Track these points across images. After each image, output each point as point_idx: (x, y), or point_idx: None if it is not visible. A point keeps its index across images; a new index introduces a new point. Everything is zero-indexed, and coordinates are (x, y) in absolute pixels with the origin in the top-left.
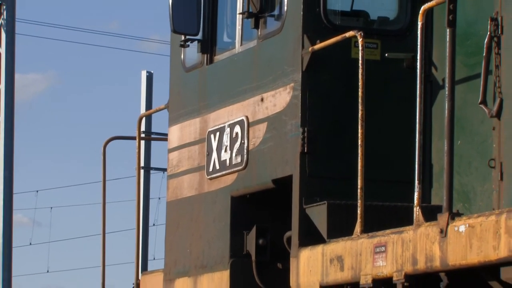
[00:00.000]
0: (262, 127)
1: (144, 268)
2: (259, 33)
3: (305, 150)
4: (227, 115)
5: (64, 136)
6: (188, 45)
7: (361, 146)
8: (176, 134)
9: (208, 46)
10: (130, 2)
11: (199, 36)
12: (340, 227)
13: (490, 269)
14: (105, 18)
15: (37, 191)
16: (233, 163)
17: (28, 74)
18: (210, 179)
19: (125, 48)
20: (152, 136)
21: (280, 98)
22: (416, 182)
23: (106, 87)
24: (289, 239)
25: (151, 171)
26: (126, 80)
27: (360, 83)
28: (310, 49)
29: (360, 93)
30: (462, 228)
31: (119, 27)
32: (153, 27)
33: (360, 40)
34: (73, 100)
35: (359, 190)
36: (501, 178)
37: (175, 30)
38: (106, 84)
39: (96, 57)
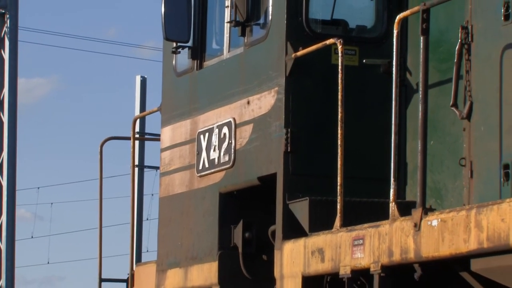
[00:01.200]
0: (248, 128)
1: (138, 259)
2: (246, 41)
3: (289, 150)
4: (216, 117)
5: (64, 136)
6: (179, 52)
7: (341, 146)
8: (168, 134)
9: (198, 53)
10: (126, 11)
11: (190, 43)
12: (321, 222)
13: (461, 261)
14: (103, 25)
15: (39, 188)
16: (221, 161)
17: (33, 78)
18: (200, 176)
19: (121, 54)
20: (146, 136)
21: (265, 101)
22: (392, 179)
23: (104, 91)
24: (273, 233)
25: (145, 169)
26: (122, 84)
27: (339, 87)
28: (293, 55)
29: (339, 97)
30: (434, 223)
31: (117, 34)
32: (148, 35)
33: (339, 47)
34: (74, 103)
35: (338, 187)
36: (471, 176)
37: (167, 38)
38: (104, 88)
39: (95, 62)
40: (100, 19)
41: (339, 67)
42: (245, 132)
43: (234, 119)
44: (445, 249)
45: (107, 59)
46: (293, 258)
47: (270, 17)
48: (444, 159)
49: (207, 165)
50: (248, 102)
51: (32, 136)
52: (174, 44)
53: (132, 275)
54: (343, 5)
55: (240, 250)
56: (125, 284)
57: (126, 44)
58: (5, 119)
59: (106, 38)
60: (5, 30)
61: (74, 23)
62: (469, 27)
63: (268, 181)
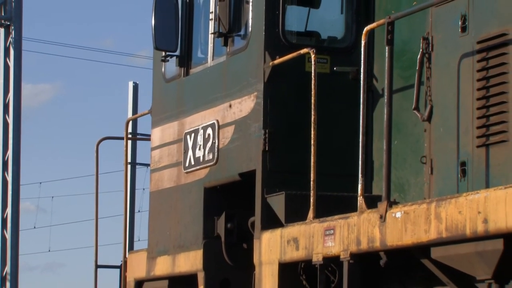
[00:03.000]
0: (230, 129)
1: (131, 247)
2: (228, 50)
3: (266, 149)
4: (201, 119)
5: (65, 136)
6: (168, 60)
7: (314, 145)
8: (158, 135)
9: (185, 61)
10: (121, 24)
11: (177, 52)
12: (296, 214)
13: (422, 249)
14: (101, 36)
15: (41, 183)
16: (206, 159)
17: (39, 84)
18: (187, 173)
19: (116, 62)
20: (138, 136)
21: (245, 105)
22: (360, 175)
23: (101, 95)
24: (253, 224)
25: (137, 166)
26: (117, 89)
27: (312, 92)
28: (270, 63)
29: (312, 101)
30: (398, 214)
31: (113, 44)
32: (141, 45)
33: (312, 56)
34: (74, 106)
35: (312, 182)
36: (431, 172)
37: (157, 47)
38: (100, 92)
39: (93, 70)
40: (98, 30)
41: (312, 74)
42: (227, 133)
43: (217, 121)
44: (408, 239)
45: (104, 67)
46: (270, 247)
47: (250, 29)
48: (407, 157)
49: (193, 163)
50: (230, 106)
51: (36, 136)
52: (163, 53)
53: (125, 262)
54: (316, 18)
55: (222, 239)
56: (118, 270)
57: (120, 53)
58: (10, 120)
59: (103, 47)
60: (10, 41)
61: (75, 34)
62: (430, 38)
63: (248, 177)
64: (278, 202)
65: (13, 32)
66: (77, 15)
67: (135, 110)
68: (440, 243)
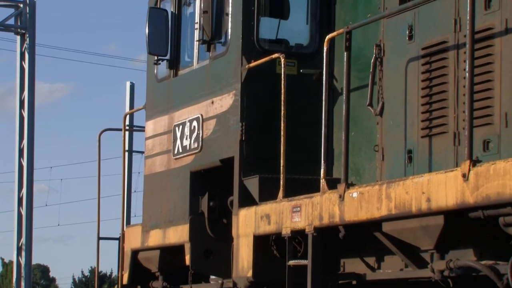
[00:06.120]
0: (213, 122)
1: (128, 222)
2: (211, 55)
3: (243, 138)
4: (187, 113)
5: (73, 127)
6: (160, 63)
7: (283, 135)
8: (151, 127)
9: (174, 64)
10: (123, 31)
11: (168, 57)
12: (268, 194)
13: (375, 224)
14: (106, 43)
15: (51, 167)
16: (192, 147)
17: (55, 83)
18: (175, 159)
19: (118, 65)
20: (134, 128)
21: (225, 101)
22: (322, 161)
23: (105, 93)
24: (231, 202)
25: (133, 153)
26: (119, 88)
27: (282, 91)
28: (247, 66)
29: (282, 98)
30: (355, 194)
31: (116, 50)
32: (139, 50)
33: (282, 60)
34: (83, 102)
35: (281, 167)
36: (383, 159)
37: (150, 52)
38: (105, 90)
39: (99, 71)
40: (103, 38)
41: (282, 75)
42: (210, 125)
43: (201, 115)
44: (363, 215)
45: (108, 69)
46: (246, 222)
47: (229, 37)
48: (362, 146)
49: (180, 150)
50: (212, 102)
51: (49, 127)
52: (156, 57)
53: (123, 234)
54: (285, 28)
55: (206, 215)
56: (117, 241)
57: (122, 57)
58: (25, 114)
59: (107, 52)
60: (25, 46)
61: (84, 41)
62: (382, 45)
63: (227, 162)
64: (253, 184)
65: (27, 39)
66: (85, 25)
67: (131, 106)
68: (390, 218)
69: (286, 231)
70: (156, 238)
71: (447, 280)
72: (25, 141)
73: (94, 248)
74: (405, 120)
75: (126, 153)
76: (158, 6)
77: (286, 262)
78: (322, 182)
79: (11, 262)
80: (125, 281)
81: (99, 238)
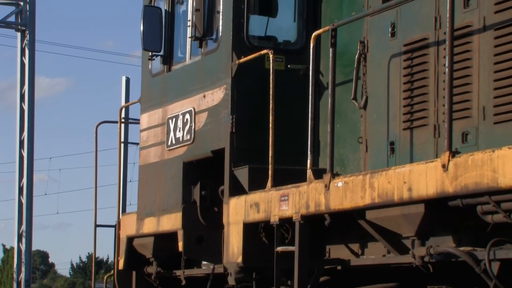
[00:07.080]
0: (204, 115)
1: (124, 210)
2: (202, 51)
3: (233, 131)
4: (180, 107)
5: (72, 119)
6: (154, 59)
7: (272, 128)
8: (145, 119)
9: (168, 60)
10: (120, 28)
11: (162, 53)
12: (257, 183)
13: (359, 212)
14: (104, 39)
15: (50, 158)
16: (185, 139)
17: (55, 78)
18: (169, 150)
19: (115, 61)
20: (129, 120)
21: (216, 95)
22: (309, 152)
23: (103, 87)
24: (222, 191)
25: (129, 145)
26: (114, 83)
27: (271, 85)
28: (237, 62)
29: (271, 92)
30: (340, 184)
31: (113, 46)
32: (134, 46)
33: (271, 56)
34: (82, 96)
35: (270, 158)
36: (366, 150)
37: (145, 48)
38: (102, 85)
39: (97, 67)
40: (101, 34)
41: (271, 70)
42: (202, 118)
43: (194, 108)
44: (347, 203)
45: (106, 65)
46: (236, 210)
47: (220, 34)
48: (347, 138)
49: (174, 142)
50: (204, 96)
51: (49, 119)
52: (150, 53)
53: (119, 222)
54: (274, 25)
55: (198, 204)
56: (113, 228)
57: (118, 53)
58: (25, 107)
59: (105, 48)
60: (25, 43)
61: (83, 37)
62: (366, 41)
63: (218, 153)
64: (243, 174)
65: (28, 35)
66: (84, 22)
67: (127, 99)
68: (373, 207)
69: (274, 219)
70: (150, 225)
71: (428, 265)
72: (25, 133)
73: (91, 235)
74: (388, 113)
75: (122, 145)
76: (153, 5)
77: (274, 249)
78: (309, 172)
79: (12, 248)
80: (121, 266)
81: (96, 226)
